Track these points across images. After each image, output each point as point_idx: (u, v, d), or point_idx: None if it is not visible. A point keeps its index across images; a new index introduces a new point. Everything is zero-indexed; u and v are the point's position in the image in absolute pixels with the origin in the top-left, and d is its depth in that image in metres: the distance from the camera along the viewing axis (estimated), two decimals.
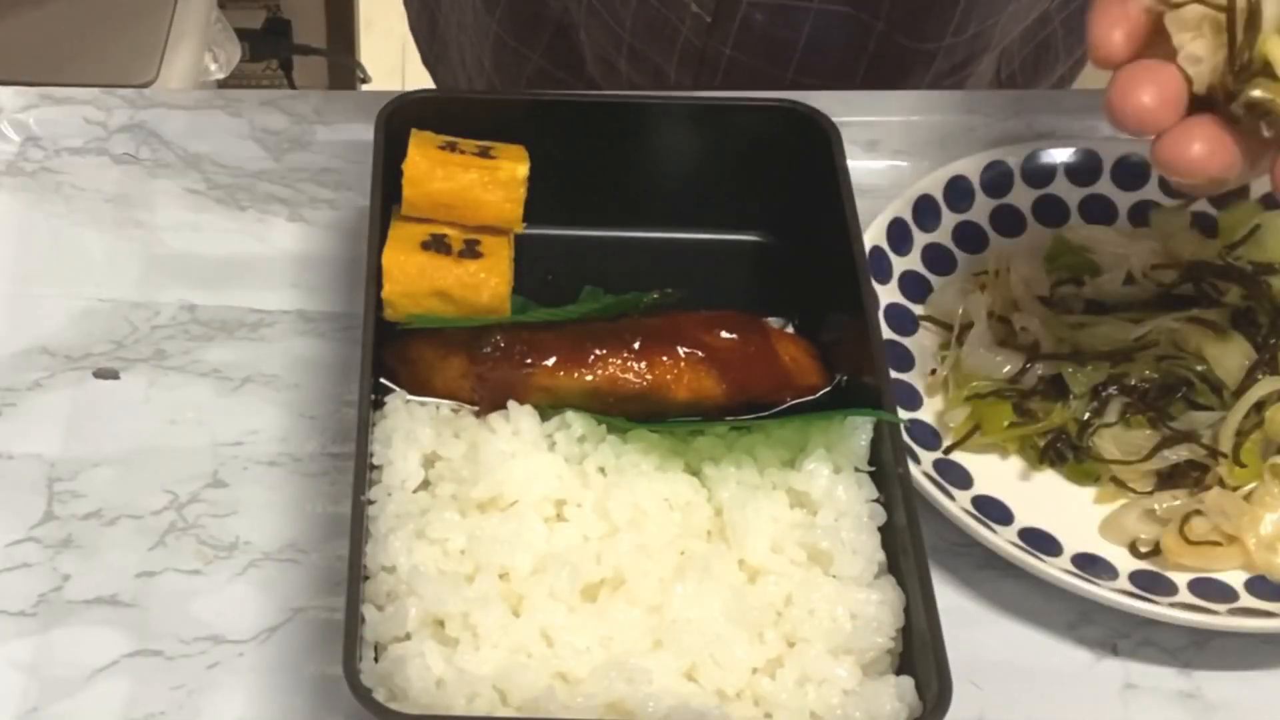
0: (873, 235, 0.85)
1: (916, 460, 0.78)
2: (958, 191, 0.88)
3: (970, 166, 0.89)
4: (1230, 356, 0.81)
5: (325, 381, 0.82)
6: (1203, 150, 0.64)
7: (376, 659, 0.66)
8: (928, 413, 0.82)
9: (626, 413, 0.74)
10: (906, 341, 0.84)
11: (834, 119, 0.81)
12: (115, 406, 0.81)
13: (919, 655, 0.67)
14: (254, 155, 0.92)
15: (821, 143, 0.80)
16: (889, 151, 0.94)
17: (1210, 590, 0.76)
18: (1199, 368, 0.81)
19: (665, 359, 0.74)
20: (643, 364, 0.74)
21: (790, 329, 0.80)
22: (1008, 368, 0.81)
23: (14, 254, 0.87)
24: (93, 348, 0.83)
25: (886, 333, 0.82)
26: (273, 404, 0.82)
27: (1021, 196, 0.90)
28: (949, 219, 0.88)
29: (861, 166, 0.80)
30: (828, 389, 0.77)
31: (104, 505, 0.77)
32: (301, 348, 0.84)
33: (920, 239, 0.87)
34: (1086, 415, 0.80)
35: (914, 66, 1.00)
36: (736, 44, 1.00)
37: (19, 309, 0.84)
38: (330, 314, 0.85)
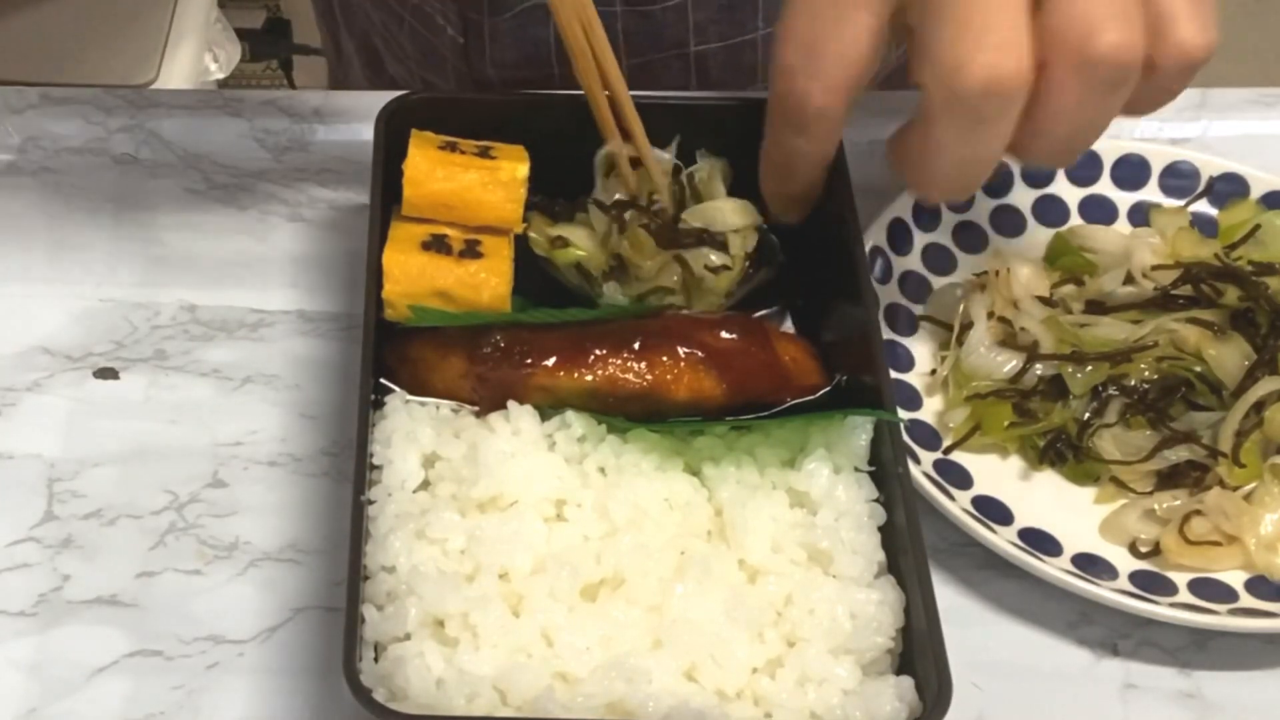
0: (873, 235, 0.85)
1: (916, 460, 0.78)
2: None
3: None
4: (1229, 357, 0.81)
5: (325, 381, 0.83)
6: None
7: (376, 659, 0.66)
8: (928, 413, 0.82)
9: (626, 413, 0.74)
10: (906, 341, 0.84)
11: None
12: (115, 406, 0.81)
13: (919, 655, 0.67)
14: (254, 155, 0.92)
15: None
16: None
17: (1210, 590, 0.76)
18: (1198, 368, 0.81)
19: (665, 359, 0.74)
20: (643, 364, 0.74)
21: (790, 328, 0.80)
22: (1008, 368, 0.81)
23: (14, 254, 0.87)
24: (93, 348, 0.83)
25: (886, 333, 0.83)
26: (273, 404, 0.82)
27: (1021, 196, 0.90)
28: (949, 219, 0.88)
29: (861, 167, 0.80)
30: (828, 389, 0.77)
31: (104, 505, 0.77)
32: (301, 348, 0.84)
33: (920, 239, 0.87)
34: (1086, 415, 0.80)
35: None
36: (495, 62, 0.99)
37: (19, 309, 0.84)
38: (330, 314, 0.85)
